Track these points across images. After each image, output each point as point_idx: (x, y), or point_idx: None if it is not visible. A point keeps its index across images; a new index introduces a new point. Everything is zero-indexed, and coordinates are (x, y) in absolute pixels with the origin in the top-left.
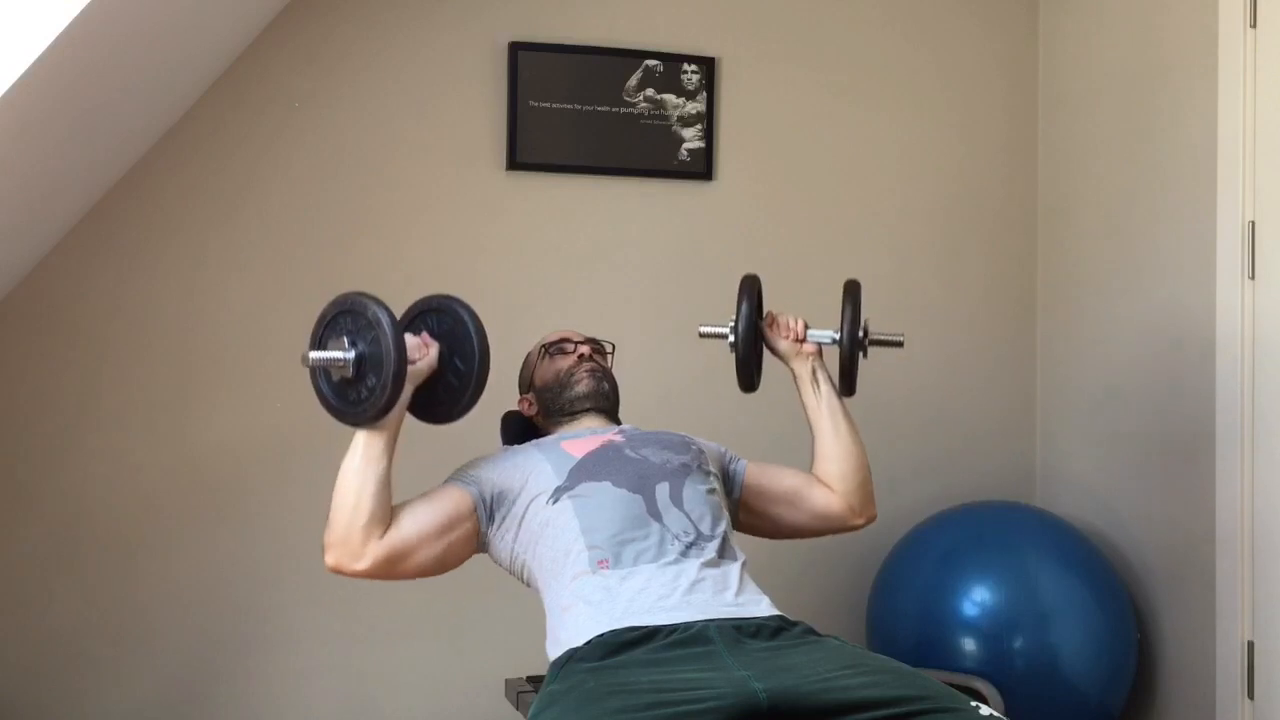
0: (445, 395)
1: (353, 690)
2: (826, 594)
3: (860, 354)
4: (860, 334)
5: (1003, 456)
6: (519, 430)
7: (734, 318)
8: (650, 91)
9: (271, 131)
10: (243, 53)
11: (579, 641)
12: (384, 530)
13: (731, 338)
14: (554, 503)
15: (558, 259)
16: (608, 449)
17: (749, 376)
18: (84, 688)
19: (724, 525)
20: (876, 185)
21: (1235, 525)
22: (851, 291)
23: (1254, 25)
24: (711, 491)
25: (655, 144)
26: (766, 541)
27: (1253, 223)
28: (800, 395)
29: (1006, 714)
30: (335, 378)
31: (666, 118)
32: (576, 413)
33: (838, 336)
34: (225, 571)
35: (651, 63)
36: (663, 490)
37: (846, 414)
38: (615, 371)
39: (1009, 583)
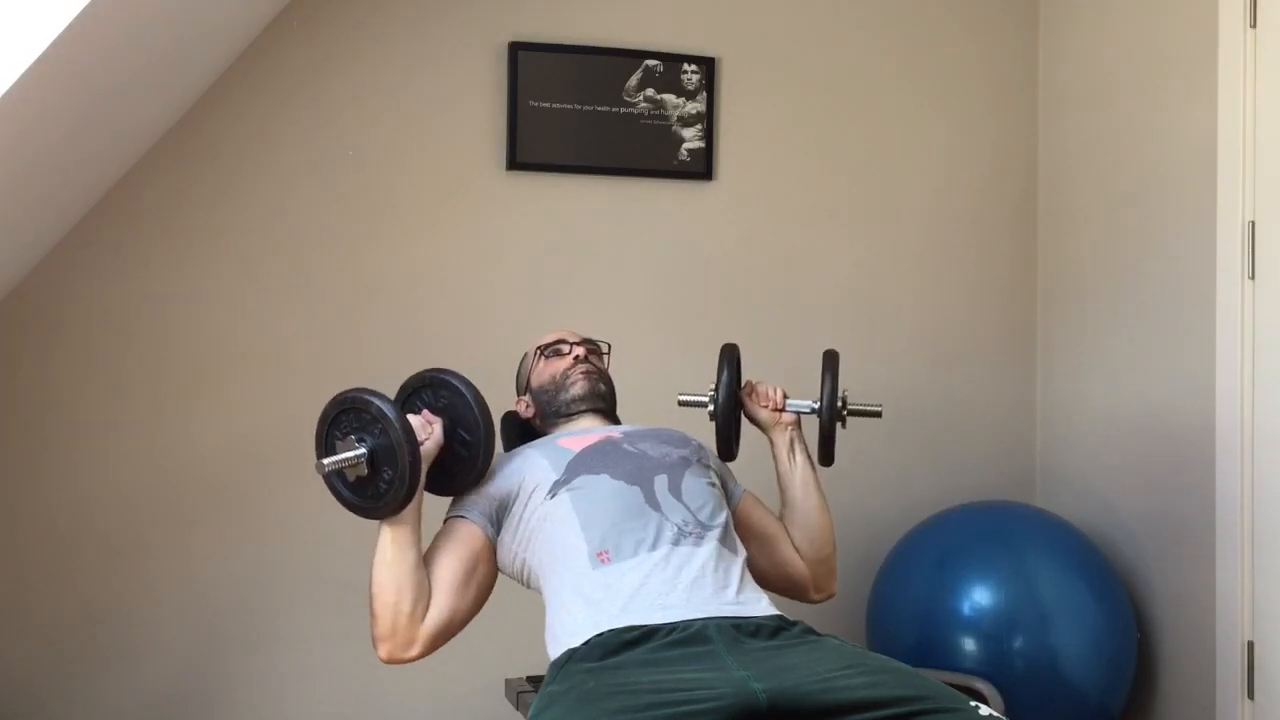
0: (457, 467)
1: (352, 690)
2: None
3: (839, 424)
4: (839, 404)
5: (1003, 456)
6: (517, 432)
7: (714, 387)
8: (650, 91)
9: (271, 132)
10: (243, 52)
11: (578, 641)
12: (425, 609)
13: (711, 407)
14: (552, 497)
15: (558, 259)
16: (605, 444)
17: (728, 445)
18: (82, 689)
19: (724, 516)
20: (876, 185)
21: (1235, 526)
22: (830, 362)
23: (1254, 25)
24: (711, 484)
25: (655, 144)
26: None
27: (1253, 223)
28: (776, 464)
29: (1006, 714)
30: (351, 477)
31: (666, 118)
32: (574, 414)
33: (816, 406)
34: (224, 572)
35: (651, 63)
36: (661, 482)
37: (819, 487)
38: (614, 372)
39: (1009, 583)
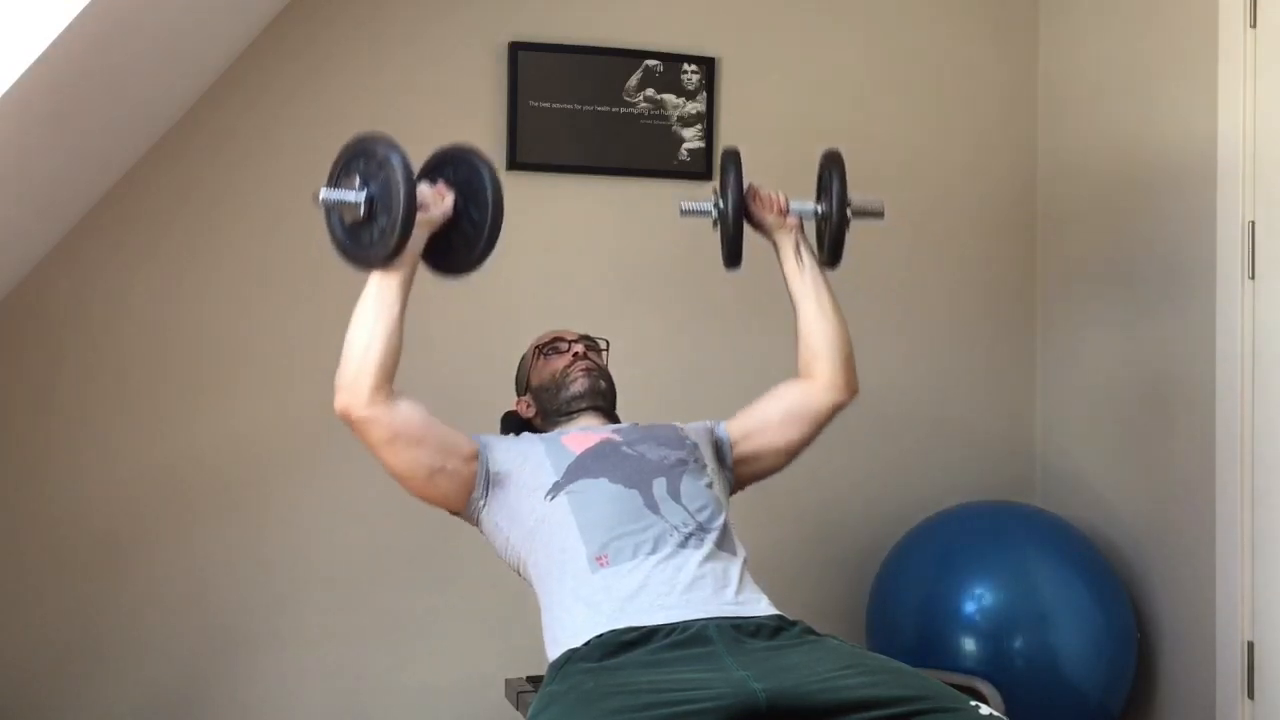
0: (460, 244)
1: (352, 690)
2: (826, 594)
3: (845, 226)
4: (844, 204)
5: (1003, 456)
6: (519, 432)
7: (718, 193)
8: (650, 91)
9: (272, 132)
10: (243, 52)
11: (578, 642)
12: (391, 386)
13: (715, 213)
14: (551, 499)
15: (558, 259)
16: (605, 446)
17: (735, 252)
18: (82, 688)
19: (723, 518)
20: (876, 185)
21: (1235, 525)
22: (834, 160)
23: (1254, 25)
24: (709, 485)
25: (655, 144)
26: (766, 541)
27: (1253, 223)
28: (783, 268)
29: (1006, 714)
30: (348, 220)
31: (666, 118)
32: (574, 412)
33: (820, 208)
34: (224, 571)
35: (651, 63)
36: (660, 485)
37: (829, 286)
38: (614, 371)
39: (1009, 583)
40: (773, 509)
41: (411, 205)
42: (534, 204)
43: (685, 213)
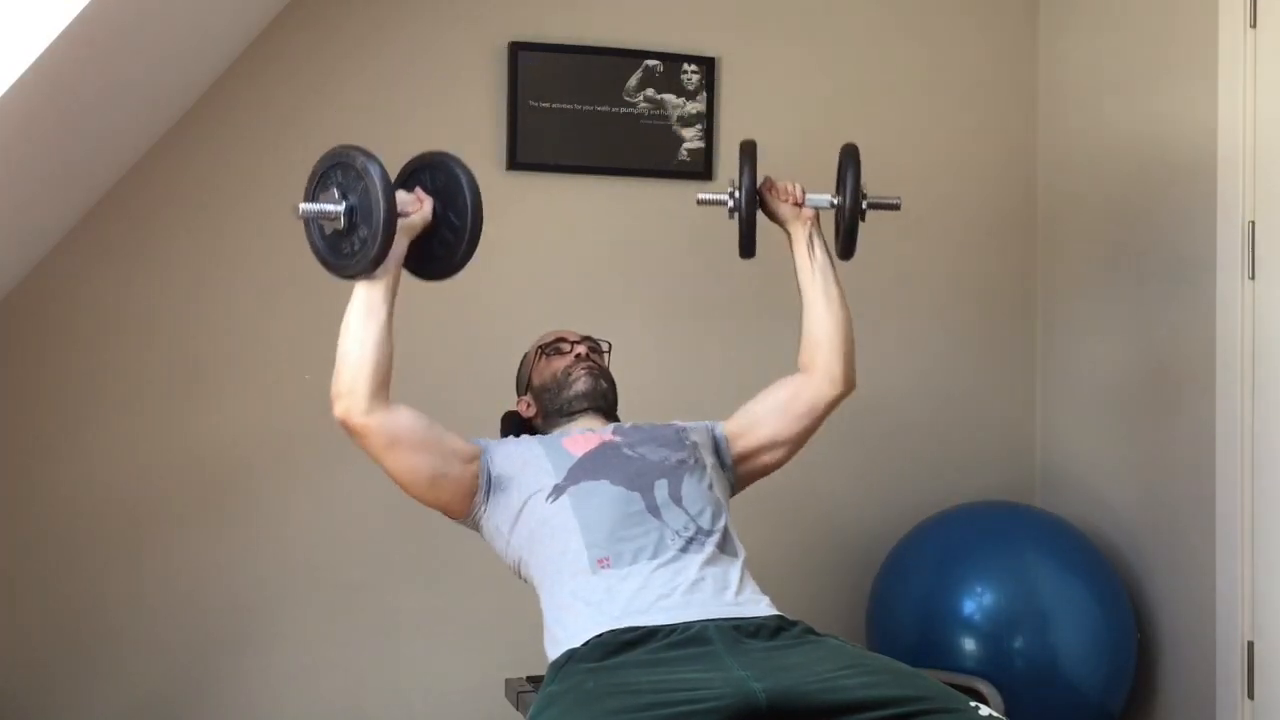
0: (440, 250)
1: (352, 690)
2: (826, 594)
3: (859, 218)
4: (859, 197)
5: (1003, 456)
6: (519, 432)
7: (734, 183)
8: (650, 91)
9: (271, 131)
10: (243, 52)
11: (578, 642)
12: (387, 392)
13: (731, 203)
14: (552, 501)
15: (558, 259)
16: (606, 448)
17: (749, 242)
18: (82, 685)
19: (724, 520)
20: (876, 185)
21: (1235, 525)
22: (851, 154)
23: (1254, 25)
24: (710, 486)
25: (655, 144)
26: (767, 541)
27: (1253, 223)
28: (794, 258)
29: (1006, 714)
30: (328, 231)
31: (666, 118)
32: (575, 412)
33: (836, 200)
34: (224, 571)
35: (651, 63)
36: (661, 487)
37: (838, 279)
38: (615, 371)
39: (1009, 583)
40: (773, 509)
41: (391, 213)
42: (534, 204)
43: (702, 202)
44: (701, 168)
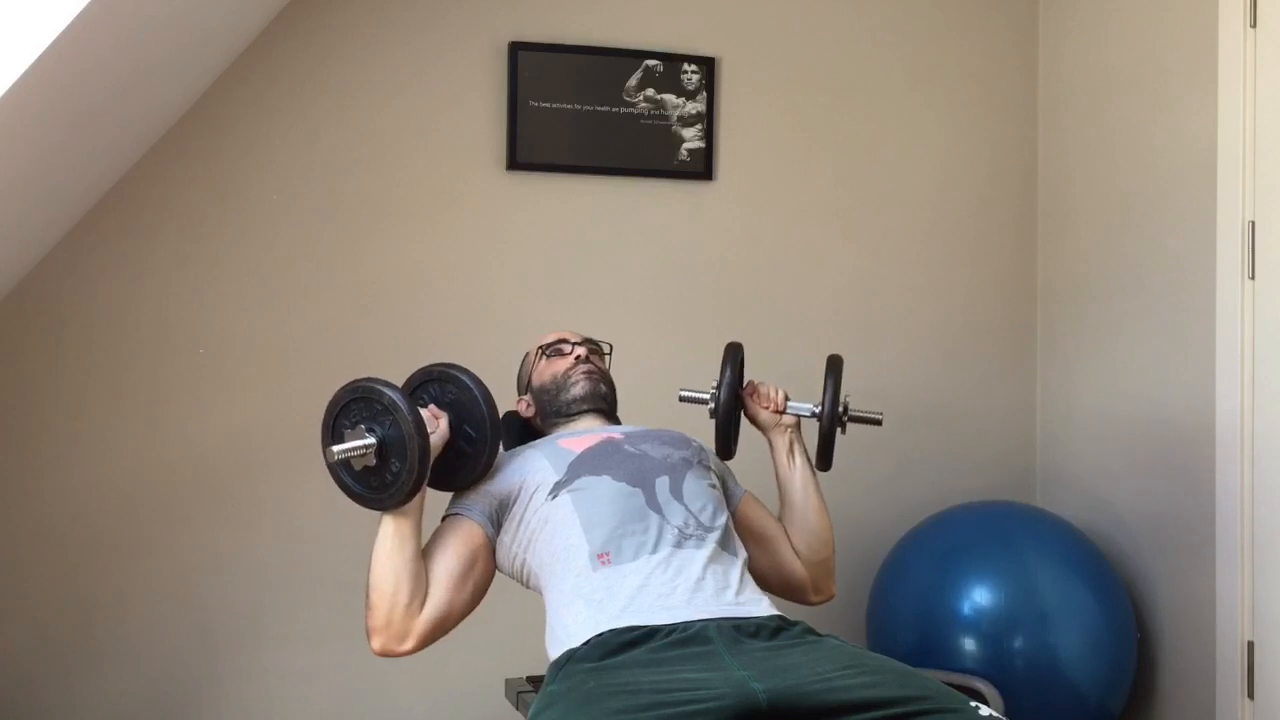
0: (460, 463)
1: (352, 690)
2: None
3: (839, 430)
4: (840, 410)
5: (1003, 456)
6: (518, 432)
7: (715, 385)
8: (650, 91)
9: (271, 132)
10: (243, 52)
11: (578, 641)
12: (422, 603)
13: (712, 405)
14: (553, 498)
15: (558, 259)
16: (606, 445)
17: (726, 444)
18: (76, 686)
19: (724, 517)
20: (876, 185)
21: (1235, 525)
22: (834, 367)
23: (1254, 25)
24: (712, 485)
25: (655, 144)
26: None
27: (1253, 223)
28: (775, 465)
29: (1006, 714)
30: (358, 467)
31: (666, 118)
32: (574, 414)
33: (818, 410)
34: (223, 571)
35: (651, 63)
36: (663, 484)
37: (818, 490)
38: (614, 372)
39: (1009, 583)
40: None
41: (425, 442)
42: (534, 204)
43: (684, 399)
44: (701, 168)
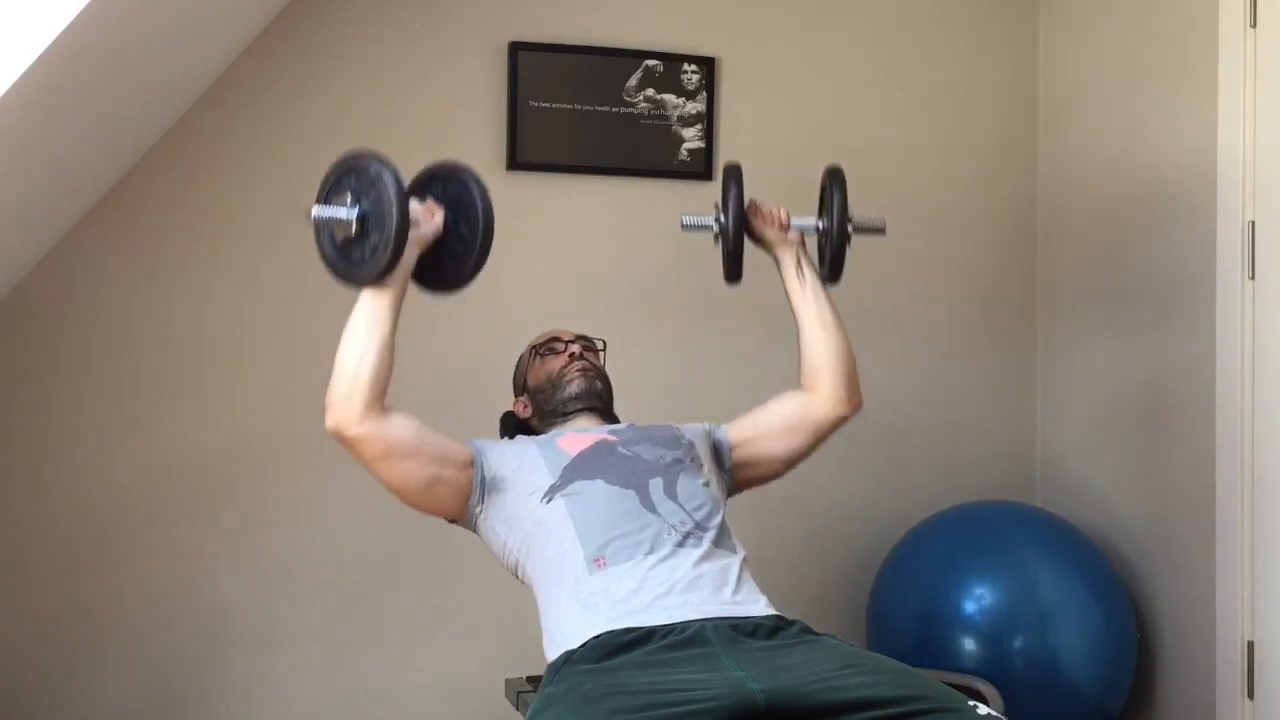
0: (449, 263)
1: (352, 690)
2: (826, 594)
3: (845, 242)
4: (845, 221)
5: (1003, 456)
6: (516, 433)
7: (719, 207)
8: (650, 91)
9: (271, 132)
10: (242, 52)
11: (575, 644)
12: (382, 403)
13: (716, 228)
14: (547, 502)
15: (558, 259)
16: (601, 447)
17: (735, 266)
18: (81, 685)
19: (720, 517)
20: (876, 185)
21: (1235, 525)
22: (835, 176)
23: (1254, 25)
24: (706, 484)
25: (655, 144)
26: (767, 540)
27: (1253, 223)
28: (784, 283)
29: (1006, 714)
30: (339, 237)
31: (666, 118)
32: (570, 413)
33: (822, 224)
34: (223, 571)
35: (651, 63)
36: (656, 485)
37: (830, 300)
38: (612, 371)
39: (1009, 583)
40: (773, 509)
41: (404, 223)
42: (534, 204)
43: (686, 227)
44: (701, 168)
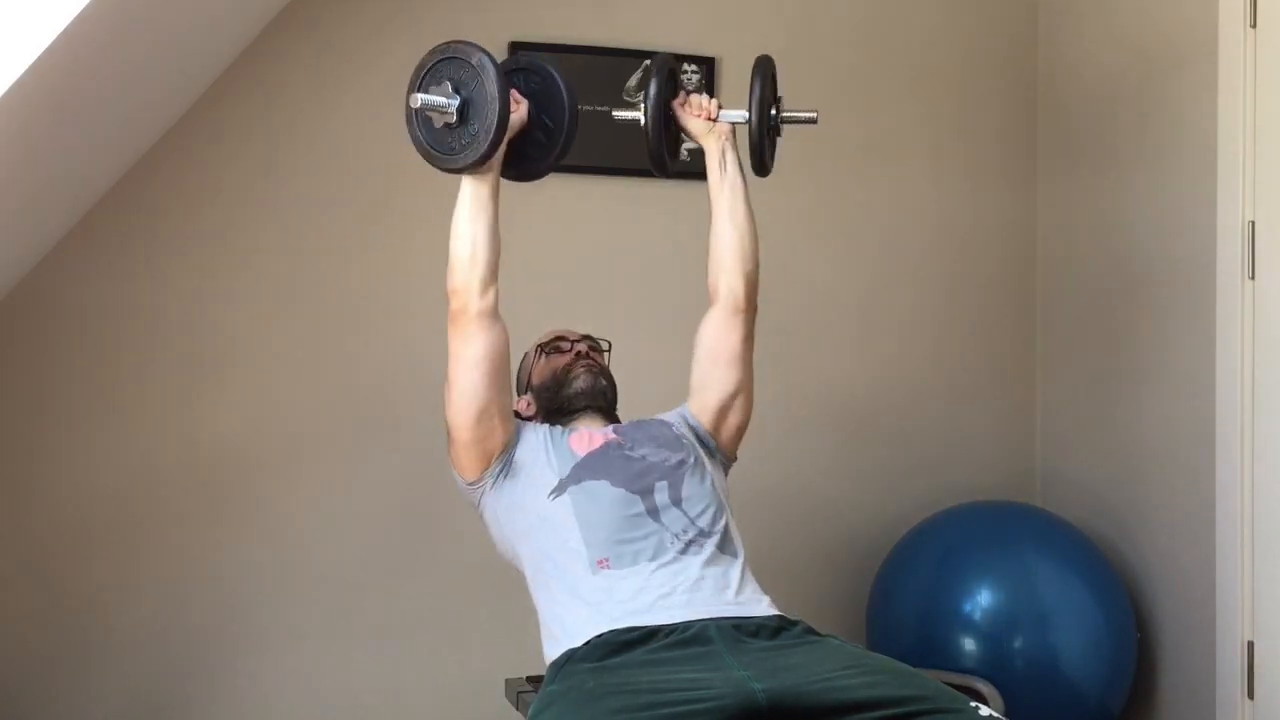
0: (534, 152)
1: (352, 690)
2: (826, 594)
3: (773, 132)
4: (772, 112)
5: (1003, 456)
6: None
7: (643, 98)
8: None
9: (271, 132)
10: (243, 52)
11: (578, 642)
12: (496, 289)
13: (643, 119)
14: (554, 499)
15: (558, 259)
16: (609, 448)
17: (660, 160)
18: (81, 684)
19: (724, 519)
20: (875, 184)
21: (1235, 525)
22: (762, 66)
23: (1254, 25)
24: (712, 484)
25: None
26: (768, 539)
27: (1253, 223)
28: (708, 175)
29: (1006, 714)
30: (438, 124)
31: None
32: (575, 411)
33: (749, 116)
34: (224, 571)
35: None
36: (662, 489)
37: (746, 198)
38: (614, 371)
39: (1009, 583)
40: (774, 509)
41: (506, 110)
42: (533, 204)
43: (618, 120)
44: (701, 168)
